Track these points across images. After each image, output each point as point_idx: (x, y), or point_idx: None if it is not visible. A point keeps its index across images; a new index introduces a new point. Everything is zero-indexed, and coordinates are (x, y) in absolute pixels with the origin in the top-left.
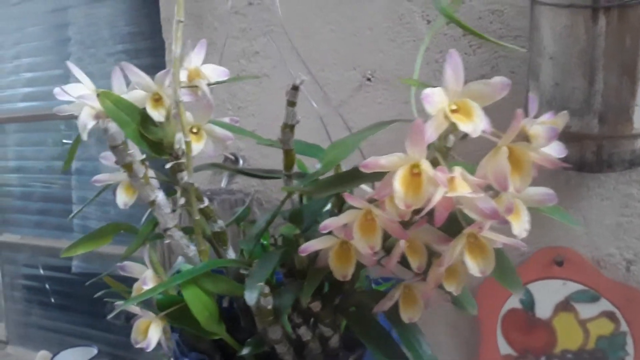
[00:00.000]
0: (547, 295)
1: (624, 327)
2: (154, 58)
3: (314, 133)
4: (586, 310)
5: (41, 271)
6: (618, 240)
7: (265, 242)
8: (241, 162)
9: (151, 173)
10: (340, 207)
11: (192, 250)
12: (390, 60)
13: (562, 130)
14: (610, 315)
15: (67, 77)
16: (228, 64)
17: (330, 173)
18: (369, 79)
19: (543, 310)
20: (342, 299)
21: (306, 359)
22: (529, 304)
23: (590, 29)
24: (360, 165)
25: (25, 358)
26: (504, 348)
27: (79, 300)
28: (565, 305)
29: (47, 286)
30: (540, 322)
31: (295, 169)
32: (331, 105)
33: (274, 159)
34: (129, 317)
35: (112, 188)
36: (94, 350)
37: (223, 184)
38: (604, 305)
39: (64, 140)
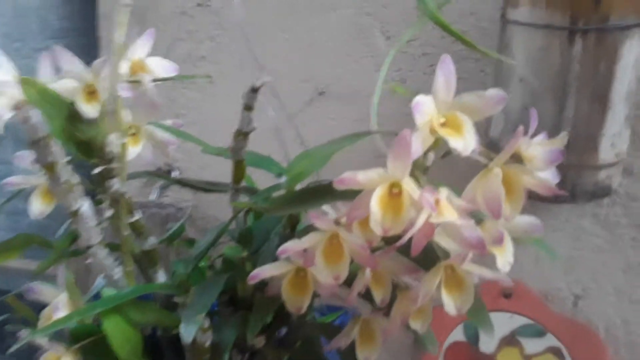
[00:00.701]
0: None
1: None
2: (87, 57)
3: (263, 144)
4: (531, 346)
5: None
6: (567, 274)
7: (202, 264)
8: (177, 173)
9: (76, 178)
10: (294, 227)
11: (117, 272)
12: (345, 74)
13: None
14: (556, 352)
15: None
16: None
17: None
18: (320, 93)
19: (487, 344)
20: (289, 332)
21: None
22: (473, 337)
23: (566, 51)
24: (335, 181)
25: None
26: None
27: None
28: (510, 340)
29: None
30: (484, 356)
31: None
32: (286, 116)
33: (214, 172)
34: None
35: (25, 194)
36: None
37: (153, 197)
38: (550, 340)
39: None
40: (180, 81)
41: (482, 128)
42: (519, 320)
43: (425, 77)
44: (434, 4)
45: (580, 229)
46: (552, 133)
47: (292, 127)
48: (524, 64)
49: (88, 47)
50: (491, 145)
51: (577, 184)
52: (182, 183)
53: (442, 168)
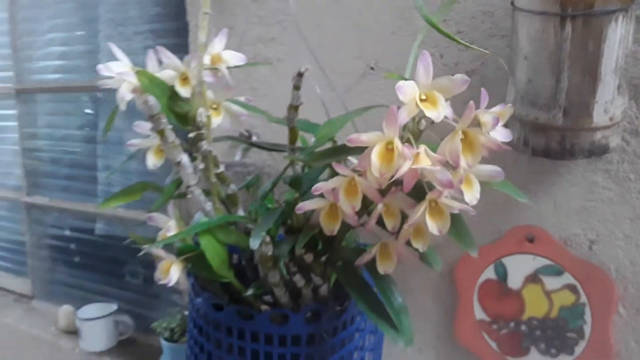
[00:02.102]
0: (518, 268)
1: (583, 299)
2: (178, 38)
3: (316, 113)
4: (551, 283)
5: (67, 232)
6: (583, 222)
7: (270, 206)
8: (254, 137)
9: (177, 140)
10: (334, 176)
11: (209, 205)
12: (391, 51)
13: (531, 120)
14: (572, 288)
15: (96, 53)
16: (246, 47)
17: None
18: (372, 68)
19: (514, 281)
20: (332, 253)
21: (301, 306)
22: (502, 275)
23: (559, 33)
24: (346, 140)
25: (48, 312)
26: (479, 313)
27: (102, 260)
28: (533, 278)
29: (72, 246)
30: (512, 291)
31: (299, 143)
32: (334, 90)
33: (284, 136)
34: (146, 278)
35: (140, 154)
36: (113, 306)
37: (237, 158)
38: (567, 279)
39: (86, 110)
40: (254, 60)
41: (497, 100)
42: (541, 261)
43: (459, 52)
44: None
45: (594, 183)
46: (551, 102)
47: (342, 101)
48: (526, 43)
49: (179, 30)
50: None
51: (575, 143)
52: (255, 144)
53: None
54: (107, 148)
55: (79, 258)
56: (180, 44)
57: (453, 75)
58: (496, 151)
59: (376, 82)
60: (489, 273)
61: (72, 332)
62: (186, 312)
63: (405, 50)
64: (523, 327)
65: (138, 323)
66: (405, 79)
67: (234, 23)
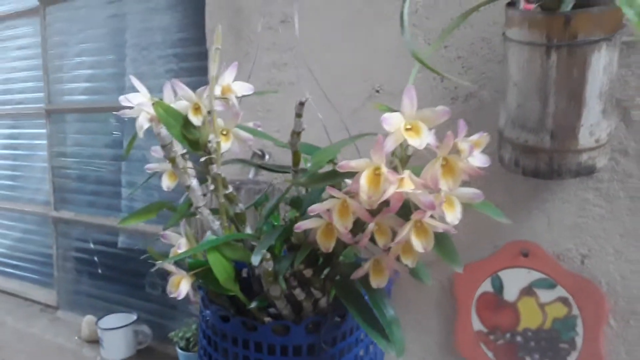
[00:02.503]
0: (513, 281)
1: (575, 311)
2: (199, 62)
3: (320, 137)
4: (545, 296)
5: (91, 245)
6: (575, 237)
7: (276, 223)
8: (267, 157)
9: (190, 164)
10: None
11: (216, 224)
12: (396, 75)
13: (521, 143)
14: (564, 301)
15: (122, 75)
16: (261, 72)
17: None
18: (377, 91)
19: (510, 294)
20: (331, 268)
21: (302, 317)
22: (498, 288)
23: (545, 62)
24: (337, 166)
25: (73, 322)
26: (477, 325)
27: (123, 272)
28: (528, 291)
29: (95, 259)
30: (507, 304)
31: (303, 165)
32: (346, 112)
33: None
34: (165, 289)
35: (158, 175)
36: (133, 316)
37: (250, 176)
38: (560, 292)
39: (114, 132)
40: (269, 84)
41: (494, 121)
42: (535, 275)
43: (459, 76)
44: (415, 46)
45: (585, 201)
46: (539, 125)
47: (350, 120)
48: (516, 71)
49: (200, 54)
50: (499, 133)
51: (562, 164)
52: (260, 166)
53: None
54: (130, 165)
55: (102, 270)
56: (201, 67)
57: (452, 98)
58: (474, 176)
59: (382, 103)
60: (486, 286)
61: (95, 342)
62: None
63: (408, 75)
64: (518, 338)
65: (156, 333)
66: (394, 110)
67: (249, 49)
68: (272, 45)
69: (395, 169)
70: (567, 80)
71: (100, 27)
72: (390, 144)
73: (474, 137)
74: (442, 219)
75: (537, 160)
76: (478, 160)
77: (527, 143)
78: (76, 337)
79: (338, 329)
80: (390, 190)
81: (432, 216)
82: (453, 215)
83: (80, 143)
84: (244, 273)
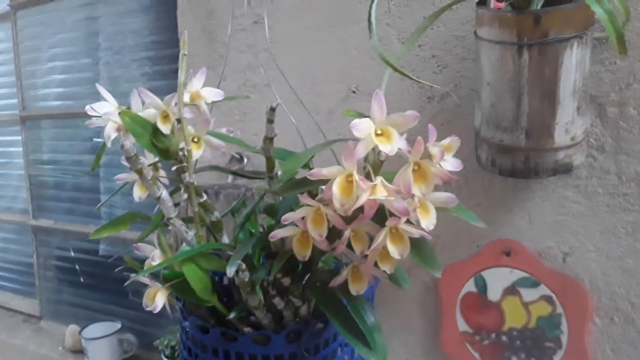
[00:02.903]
0: (497, 281)
1: (559, 309)
2: (174, 64)
3: (295, 141)
4: (529, 295)
5: (72, 253)
6: (556, 235)
7: (253, 230)
8: (245, 160)
9: (162, 173)
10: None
11: (190, 235)
12: (371, 75)
13: (496, 143)
14: (548, 299)
15: (96, 80)
16: (235, 74)
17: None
18: (353, 92)
19: (494, 293)
20: (310, 276)
21: (284, 326)
22: (482, 288)
23: (517, 61)
24: (308, 174)
25: (56, 332)
26: (462, 325)
27: (105, 280)
28: (511, 290)
29: (76, 267)
30: (492, 303)
31: (278, 170)
32: (324, 112)
33: None
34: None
35: (129, 185)
36: (117, 325)
37: (229, 180)
38: (543, 290)
39: (94, 139)
40: (244, 86)
41: (469, 121)
42: (518, 274)
43: (434, 75)
44: (383, 48)
45: (565, 198)
46: (513, 124)
47: (318, 126)
48: (488, 70)
49: (173, 57)
50: (476, 132)
51: (539, 163)
52: (235, 173)
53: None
54: (109, 171)
55: (84, 278)
56: (176, 70)
57: (428, 98)
58: (447, 180)
59: (358, 104)
60: (470, 286)
61: (79, 351)
62: None
63: (384, 74)
64: (504, 338)
65: (141, 341)
66: (364, 116)
67: (222, 52)
68: (246, 47)
69: (367, 175)
70: (540, 79)
71: (72, 31)
72: (361, 151)
73: (445, 142)
74: (419, 224)
75: (513, 159)
76: (450, 164)
77: (502, 142)
78: (60, 348)
79: (320, 336)
80: (363, 198)
81: (408, 221)
82: (428, 221)
83: (57, 150)
84: (225, 280)
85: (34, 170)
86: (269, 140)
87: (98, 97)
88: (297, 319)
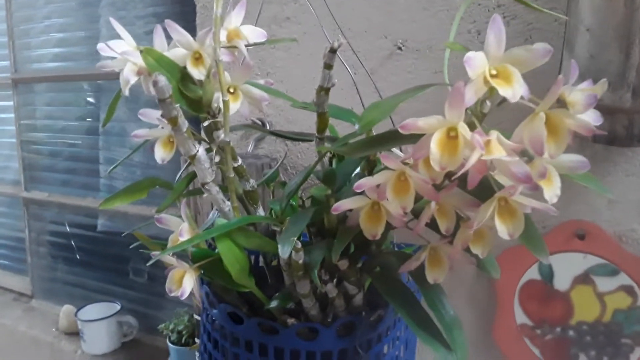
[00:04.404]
0: (566, 267)
1: None
2: (184, 22)
3: (342, 99)
4: (605, 284)
5: (67, 228)
6: None
7: (293, 203)
8: (268, 127)
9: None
10: (371, 171)
11: (227, 205)
12: (422, 29)
13: None
14: (628, 290)
15: (95, 39)
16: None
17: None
18: (400, 48)
19: (561, 282)
20: (368, 259)
21: (329, 315)
22: (547, 275)
23: (629, 1)
24: (399, 126)
25: (49, 312)
26: (521, 317)
27: (104, 257)
28: (584, 278)
29: (72, 243)
30: (558, 293)
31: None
32: (364, 72)
33: (300, 125)
34: (151, 276)
35: (148, 145)
36: (116, 306)
37: (250, 149)
38: (623, 279)
39: (89, 102)
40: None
41: (549, 77)
42: (593, 260)
43: None
44: None
45: None
46: (618, 80)
47: (372, 82)
48: (589, 14)
49: (184, 13)
50: None
51: None
52: (275, 134)
53: (503, 115)
54: (109, 140)
55: (80, 255)
56: (186, 28)
57: None
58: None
59: (404, 63)
60: (533, 273)
61: (74, 334)
62: (196, 316)
63: (439, 28)
64: (571, 333)
65: (143, 324)
66: (468, 50)
67: (249, 2)
68: None
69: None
70: None
71: None
72: (472, 95)
73: (584, 85)
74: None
75: (613, 123)
76: (589, 116)
77: (601, 102)
78: (53, 329)
79: (374, 331)
80: (474, 158)
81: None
82: (552, 191)
83: (52, 115)
84: (252, 262)
85: (26, 138)
86: (324, 91)
87: (97, 58)
88: (349, 310)
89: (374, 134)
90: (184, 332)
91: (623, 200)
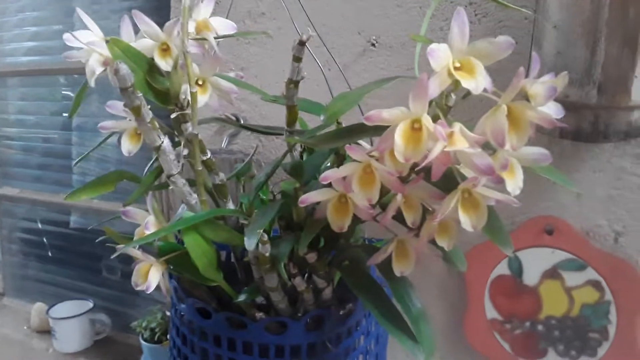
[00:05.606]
0: (535, 262)
1: (608, 296)
2: (158, 17)
3: (316, 94)
4: (572, 279)
5: (39, 225)
6: (608, 212)
7: (264, 197)
8: (241, 122)
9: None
10: (340, 164)
11: (194, 198)
12: (395, 26)
13: (560, 99)
14: (595, 284)
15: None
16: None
17: (331, 129)
18: (373, 44)
19: (530, 277)
20: (337, 252)
21: (299, 310)
22: (517, 270)
23: None
24: (364, 118)
25: (21, 310)
26: (491, 312)
27: (76, 254)
28: (552, 273)
29: (44, 240)
30: (527, 288)
31: (297, 126)
32: (336, 69)
33: (273, 120)
34: (125, 273)
35: (116, 139)
36: (89, 304)
37: (223, 144)
38: (590, 274)
39: (63, 92)
40: (244, 37)
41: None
42: (561, 255)
43: (472, 25)
44: None
45: (621, 169)
46: (584, 76)
47: (344, 78)
48: (557, 10)
49: (159, 8)
50: None
51: (610, 124)
52: (246, 127)
53: (467, 109)
54: (82, 136)
55: (52, 252)
56: (161, 23)
57: None
58: (547, 128)
59: (377, 59)
60: (502, 268)
61: (46, 332)
62: (168, 313)
63: (411, 25)
64: (540, 327)
65: (115, 321)
66: (430, 42)
67: None
68: None
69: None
70: (622, 22)
71: None
72: (436, 87)
73: (546, 78)
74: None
75: (579, 119)
76: (550, 109)
77: (567, 99)
78: (25, 327)
79: (344, 324)
80: (437, 150)
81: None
82: (514, 183)
83: (25, 110)
84: (222, 255)
85: None
86: (293, 84)
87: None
88: (317, 304)
89: (344, 125)
90: (157, 330)
91: (590, 196)
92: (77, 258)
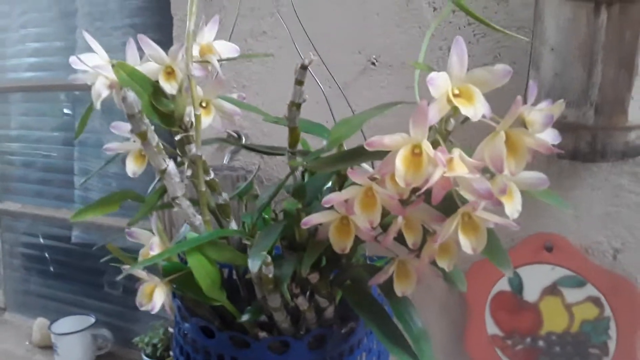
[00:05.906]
0: (535, 279)
1: (607, 312)
2: (160, 34)
3: (317, 113)
4: (572, 295)
5: (41, 240)
6: (606, 229)
7: (266, 217)
8: (244, 139)
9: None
10: (341, 185)
11: (198, 219)
12: (395, 45)
13: (558, 119)
14: (595, 301)
15: (72, 49)
16: (235, 43)
17: (333, 151)
18: (373, 63)
19: (531, 293)
20: (339, 272)
21: (302, 328)
22: (517, 287)
23: (592, 22)
24: (365, 143)
25: (22, 325)
26: (492, 328)
27: (78, 270)
28: (552, 290)
29: (46, 255)
30: (528, 304)
31: (299, 147)
32: (336, 87)
33: (275, 138)
34: (126, 289)
35: (120, 158)
36: (91, 319)
37: (225, 161)
38: (590, 290)
39: (65, 110)
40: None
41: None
42: (560, 272)
43: (470, 45)
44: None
45: (619, 187)
46: (581, 98)
47: (344, 97)
48: (554, 33)
49: (162, 25)
50: None
51: (607, 144)
52: (248, 147)
53: (467, 133)
54: (84, 151)
55: (54, 267)
56: (162, 41)
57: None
58: (545, 155)
59: (377, 78)
60: (503, 285)
61: (48, 347)
62: (170, 329)
63: (411, 44)
64: (540, 343)
65: (117, 337)
66: (432, 70)
67: (222, 16)
68: (249, 11)
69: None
70: (618, 45)
71: None
72: (435, 114)
73: (542, 105)
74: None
75: (577, 139)
76: (548, 135)
77: (565, 119)
78: (27, 343)
79: (346, 342)
80: (437, 175)
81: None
82: (512, 207)
83: (27, 126)
84: (224, 273)
85: (0, 148)
86: (295, 106)
87: (75, 69)
88: (319, 323)
89: (345, 149)
90: (159, 345)
91: (589, 213)
92: (79, 273)
